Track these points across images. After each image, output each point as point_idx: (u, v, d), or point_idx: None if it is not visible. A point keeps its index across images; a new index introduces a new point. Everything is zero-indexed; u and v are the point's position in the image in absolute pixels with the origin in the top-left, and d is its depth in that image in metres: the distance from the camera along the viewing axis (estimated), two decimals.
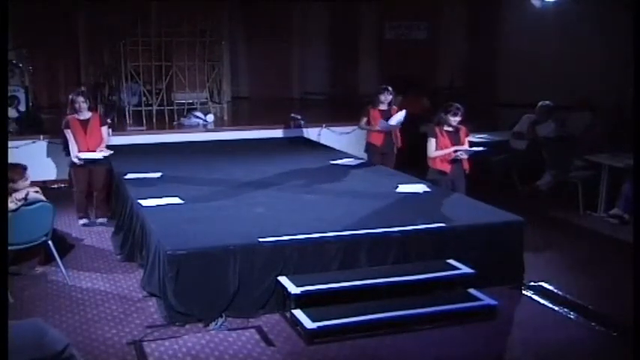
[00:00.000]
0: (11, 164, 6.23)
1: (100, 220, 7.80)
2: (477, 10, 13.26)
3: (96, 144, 7.54)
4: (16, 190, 6.08)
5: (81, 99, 7.47)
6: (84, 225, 7.66)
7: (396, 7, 13.82)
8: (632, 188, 7.64)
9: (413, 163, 8.35)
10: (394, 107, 8.50)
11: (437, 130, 7.12)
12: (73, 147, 7.52)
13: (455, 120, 7.04)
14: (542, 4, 11.05)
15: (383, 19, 14.29)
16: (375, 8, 14.26)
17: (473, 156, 7.22)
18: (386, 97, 8.41)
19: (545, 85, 10.89)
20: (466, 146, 7.15)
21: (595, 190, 8.32)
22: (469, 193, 7.07)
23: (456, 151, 7.04)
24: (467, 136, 7.24)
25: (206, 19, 11.55)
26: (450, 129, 7.10)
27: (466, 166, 7.18)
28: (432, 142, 7.12)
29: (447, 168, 7.13)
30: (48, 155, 9.53)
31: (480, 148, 7.40)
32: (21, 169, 6.29)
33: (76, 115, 7.51)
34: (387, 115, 8.35)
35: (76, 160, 7.49)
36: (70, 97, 7.65)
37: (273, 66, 14.70)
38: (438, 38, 14.06)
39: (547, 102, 9.56)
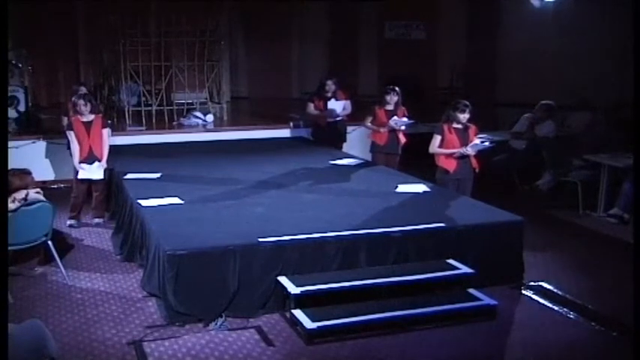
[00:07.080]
0: (18, 170, 6.26)
1: (97, 220, 7.80)
2: (477, 10, 13.25)
3: (98, 146, 7.52)
4: (17, 191, 6.09)
5: (82, 102, 7.46)
6: (70, 226, 7.64)
7: (395, 7, 13.81)
8: (632, 188, 7.64)
9: (416, 163, 8.33)
10: (401, 107, 8.50)
11: (444, 127, 7.03)
12: (75, 151, 7.51)
13: (463, 117, 6.95)
14: (542, 4, 11.04)
15: (383, 19, 14.29)
16: (374, 8, 14.25)
17: (480, 154, 7.10)
18: (392, 98, 8.42)
19: (545, 85, 10.89)
20: (475, 141, 6.99)
21: (595, 190, 8.31)
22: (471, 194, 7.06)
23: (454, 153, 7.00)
24: (476, 134, 7.11)
25: (206, 19, 11.54)
26: (459, 126, 7.01)
27: (475, 164, 7.08)
28: (435, 139, 7.05)
29: (451, 167, 7.05)
30: (48, 155, 9.52)
31: (487, 144, 7.19)
32: (28, 175, 6.33)
33: (79, 117, 7.51)
34: (393, 115, 8.36)
35: (78, 169, 7.50)
36: (73, 99, 7.66)
37: (272, 66, 14.66)
38: (438, 38, 14.04)
39: (547, 102, 9.55)
